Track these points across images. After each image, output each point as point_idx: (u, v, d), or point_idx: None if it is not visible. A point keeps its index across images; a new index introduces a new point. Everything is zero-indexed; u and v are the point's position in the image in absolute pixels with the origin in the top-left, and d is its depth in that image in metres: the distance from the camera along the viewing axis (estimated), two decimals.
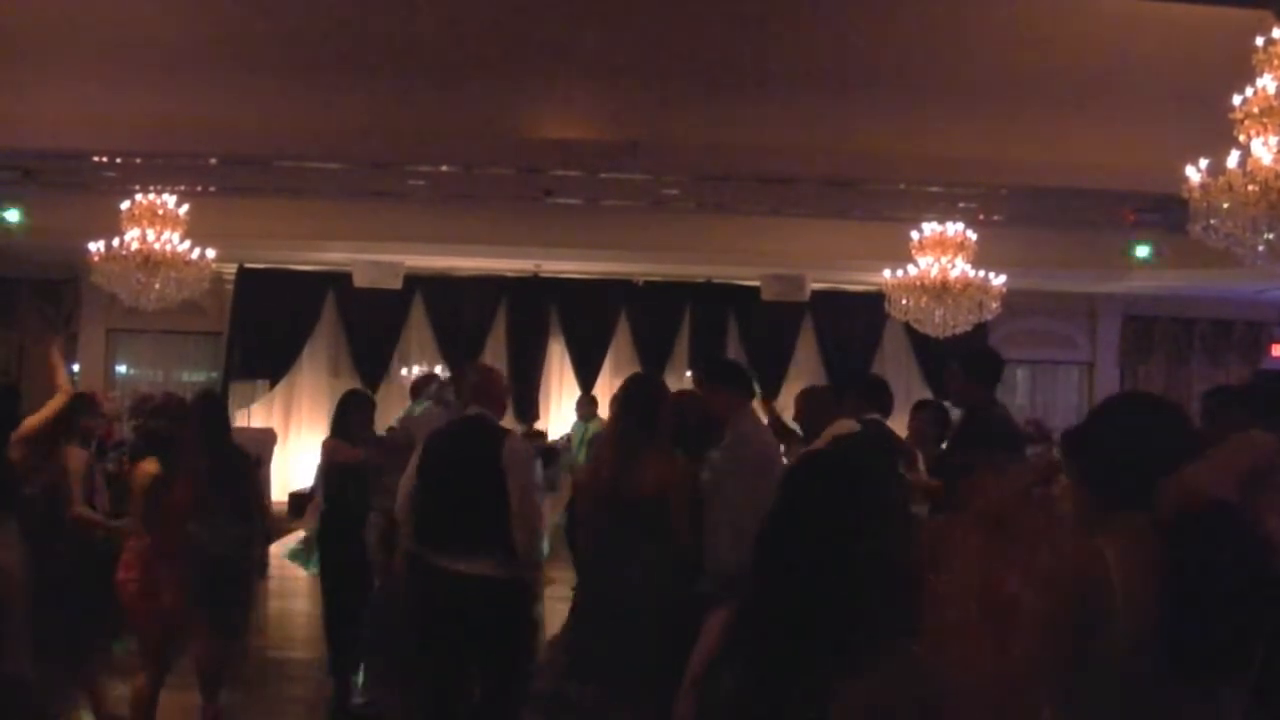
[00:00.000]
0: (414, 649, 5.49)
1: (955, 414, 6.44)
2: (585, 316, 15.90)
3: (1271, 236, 6.97)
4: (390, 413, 11.89)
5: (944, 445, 6.40)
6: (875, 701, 2.18)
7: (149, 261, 11.19)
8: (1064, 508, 3.58)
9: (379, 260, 14.70)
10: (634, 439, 5.16)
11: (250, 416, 15.84)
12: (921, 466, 6.27)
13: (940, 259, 11.91)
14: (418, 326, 16.10)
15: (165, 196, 11.34)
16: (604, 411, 9.98)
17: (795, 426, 6.63)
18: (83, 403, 6.50)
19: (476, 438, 5.36)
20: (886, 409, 6.48)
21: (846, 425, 5.72)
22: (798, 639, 2.20)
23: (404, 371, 15.84)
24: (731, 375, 5.33)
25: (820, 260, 14.31)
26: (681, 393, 5.71)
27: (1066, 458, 2.51)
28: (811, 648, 2.19)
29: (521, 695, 5.37)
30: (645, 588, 4.92)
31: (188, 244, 11.46)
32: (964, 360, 5.99)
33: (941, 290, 11.90)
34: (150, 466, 5.61)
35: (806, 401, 6.46)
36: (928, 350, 14.66)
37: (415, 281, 15.51)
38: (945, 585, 3.66)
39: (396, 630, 6.12)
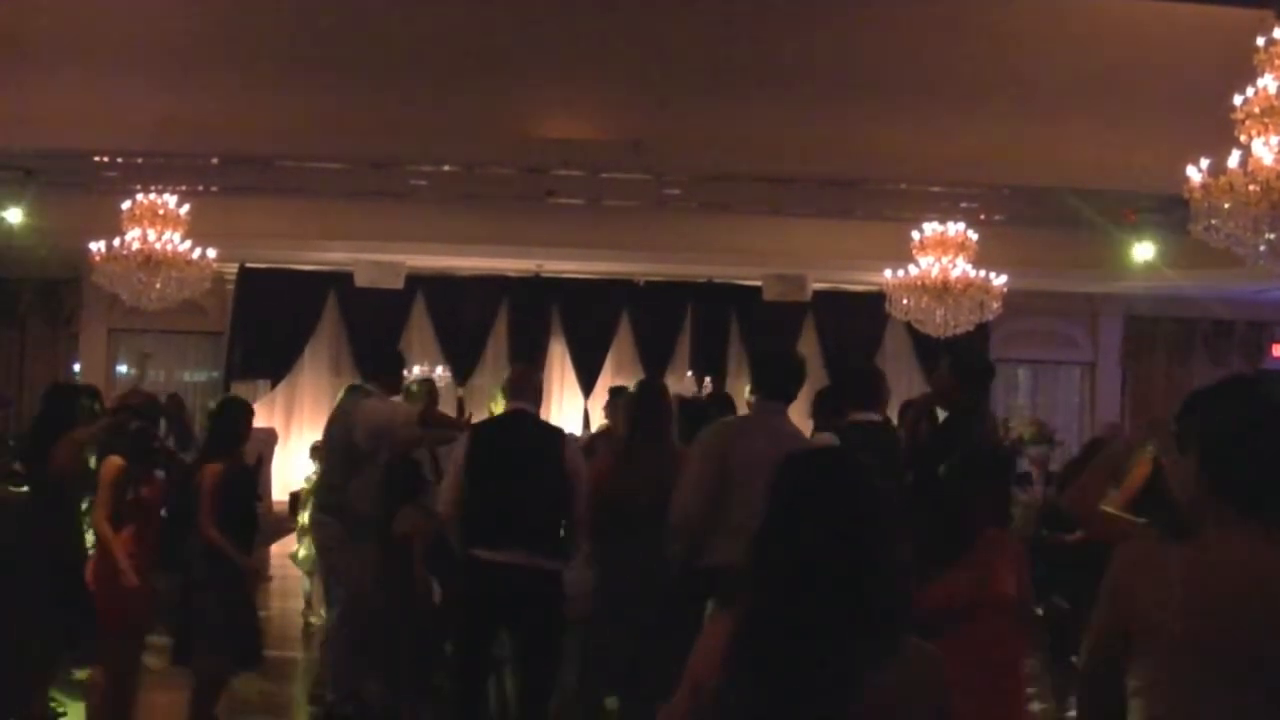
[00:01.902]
0: (460, 647, 5.50)
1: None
2: (587, 316, 15.90)
3: (1273, 236, 6.96)
4: None
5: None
6: (895, 693, 2.20)
7: (150, 261, 11.19)
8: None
9: (380, 260, 14.69)
10: (640, 444, 5.21)
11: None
12: None
13: (941, 259, 11.90)
14: (419, 326, 16.09)
15: (166, 196, 11.34)
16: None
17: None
18: (240, 409, 6.36)
19: (532, 433, 5.39)
20: (873, 405, 6.07)
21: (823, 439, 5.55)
22: (812, 638, 2.22)
23: (405, 371, 15.82)
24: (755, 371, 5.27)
25: (822, 260, 14.30)
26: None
27: (1204, 458, 2.41)
28: (827, 646, 2.20)
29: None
30: (656, 591, 4.97)
31: (189, 244, 11.45)
32: (952, 360, 5.92)
33: (943, 290, 11.89)
34: (117, 460, 5.67)
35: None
36: (929, 350, 14.65)
37: (417, 281, 15.50)
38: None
39: (421, 634, 6.16)
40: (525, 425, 5.42)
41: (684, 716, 2.39)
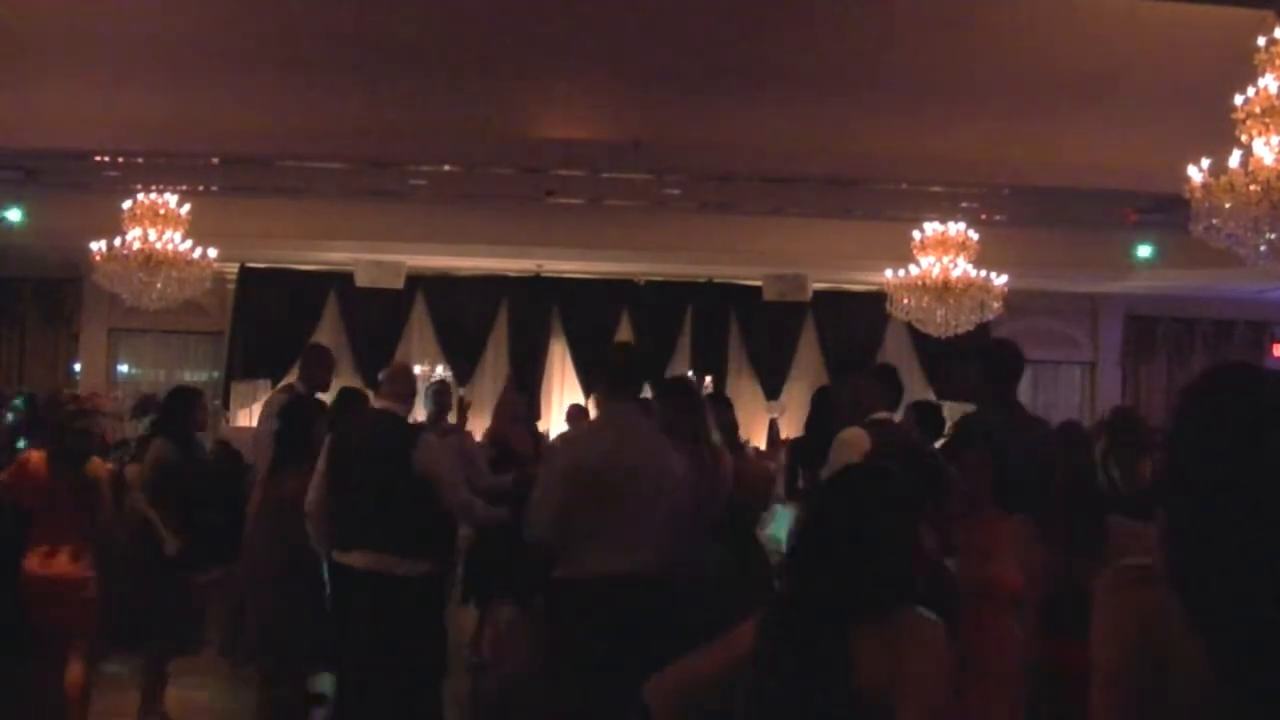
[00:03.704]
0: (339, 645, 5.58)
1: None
2: (587, 316, 15.89)
3: (1273, 236, 6.96)
4: None
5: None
6: (885, 658, 2.31)
7: (151, 261, 11.19)
8: None
9: (381, 260, 14.71)
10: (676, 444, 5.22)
11: (252, 416, 15.84)
12: None
13: (942, 259, 11.90)
14: (419, 326, 16.08)
15: (167, 196, 11.34)
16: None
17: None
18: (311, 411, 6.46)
19: (383, 434, 5.44)
20: (895, 403, 6.04)
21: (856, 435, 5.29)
22: (815, 613, 2.37)
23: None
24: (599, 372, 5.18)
25: (822, 260, 14.31)
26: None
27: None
28: (829, 623, 2.36)
29: (405, 696, 5.33)
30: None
31: (189, 243, 11.46)
32: (979, 357, 5.83)
33: (943, 290, 11.89)
34: (38, 456, 5.68)
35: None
36: (929, 350, 14.66)
37: (417, 281, 15.52)
38: None
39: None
40: (380, 427, 5.51)
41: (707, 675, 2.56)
